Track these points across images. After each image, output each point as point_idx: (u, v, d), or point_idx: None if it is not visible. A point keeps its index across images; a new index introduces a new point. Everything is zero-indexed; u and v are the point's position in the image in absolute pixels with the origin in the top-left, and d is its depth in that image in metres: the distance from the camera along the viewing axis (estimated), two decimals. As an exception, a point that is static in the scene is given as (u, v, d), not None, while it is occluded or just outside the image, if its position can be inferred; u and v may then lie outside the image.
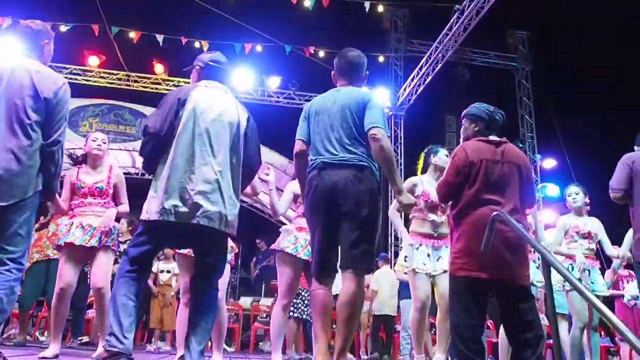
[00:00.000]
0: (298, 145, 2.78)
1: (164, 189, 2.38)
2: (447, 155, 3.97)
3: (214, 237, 2.48)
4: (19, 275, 2.43)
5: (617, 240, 4.52)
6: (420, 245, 3.79)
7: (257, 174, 2.82)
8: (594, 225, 4.37)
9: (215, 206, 2.42)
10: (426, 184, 3.88)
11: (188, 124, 2.46)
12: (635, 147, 3.75)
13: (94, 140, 3.75)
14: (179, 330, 3.51)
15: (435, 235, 3.83)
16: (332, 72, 2.94)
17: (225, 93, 2.67)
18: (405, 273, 4.02)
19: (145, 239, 2.44)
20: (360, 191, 2.48)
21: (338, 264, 2.55)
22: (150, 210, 2.40)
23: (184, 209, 2.36)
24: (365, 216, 2.48)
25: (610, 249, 4.42)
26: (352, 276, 2.45)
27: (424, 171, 4.06)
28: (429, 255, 3.77)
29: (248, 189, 3.53)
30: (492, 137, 2.85)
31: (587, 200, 4.45)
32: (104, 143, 3.77)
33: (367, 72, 2.95)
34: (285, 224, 3.89)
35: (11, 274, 2.37)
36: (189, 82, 2.87)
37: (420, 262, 3.73)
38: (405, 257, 3.86)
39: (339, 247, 2.53)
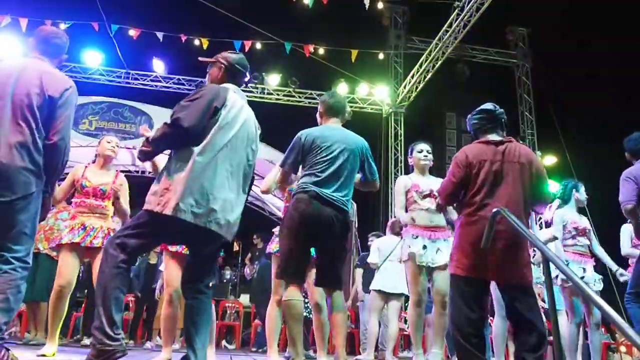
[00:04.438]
0: (282, 175, 3.18)
1: (183, 187, 2.29)
2: (420, 151, 4.01)
3: (216, 242, 2.46)
4: (25, 274, 2.42)
5: (610, 237, 4.57)
6: (417, 237, 3.79)
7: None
8: (586, 221, 4.44)
9: (226, 214, 2.39)
10: (414, 178, 3.97)
11: (220, 131, 2.40)
12: (627, 154, 3.78)
13: (108, 142, 3.88)
14: (166, 328, 3.50)
15: (432, 225, 3.82)
16: (320, 110, 3.31)
17: (246, 104, 2.65)
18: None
19: (147, 231, 2.33)
20: (342, 231, 3.00)
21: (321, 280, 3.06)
22: (162, 203, 2.28)
23: (199, 211, 2.30)
24: (343, 250, 3.06)
25: (597, 249, 4.45)
26: (342, 292, 3.04)
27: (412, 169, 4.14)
28: (425, 247, 3.75)
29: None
30: (492, 137, 2.85)
31: None
32: (117, 147, 3.89)
33: (348, 110, 3.38)
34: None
35: (17, 272, 2.36)
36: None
37: (419, 254, 3.73)
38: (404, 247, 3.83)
39: (320, 266, 3.03)
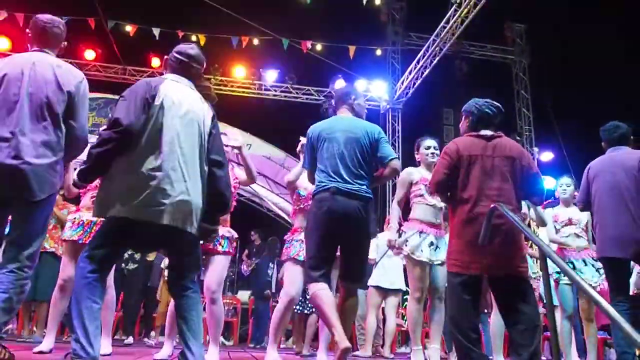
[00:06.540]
0: (309, 176, 3.16)
1: (128, 187, 2.23)
2: (428, 147, 4.02)
3: (182, 237, 2.35)
4: (30, 274, 2.41)
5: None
6: (427, 234, 3.80)
7: (229, 170, 2.66)
8: (577, 213, 4.38)
9: (181, 206, 2.29)
10: (423, 172, 3.99)
11: (157, 120, 2.31)
12: (602, 144, 3.80)
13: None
14: (169, 324, 3.52)
15: (437, 223, 3.87)
16: (332, 103, 3.32)
17: (191, 89, 2.53)
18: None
19: (108, 240, 2.28)
20: (367, 222, 2.91)
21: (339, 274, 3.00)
22: (109, 206, 2.24)
23: (150, 208, 2.22)
24: (368, 242, 2.99)
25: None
26: (356, 288, 2.96)
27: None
28: (432, 243, 3.78)
29: (243, 177, 3.56)
30: (484, 132, 2.86)
31: (576, 194, 4.48)
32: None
33: (354, 97, 3.28)
34: (283, 217, 3.89)
35: (23, 272, 2.36)
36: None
37: (426, 252, 3.74)
38: (406, 241, 3.81)
39: (346, 263, 2.95)
